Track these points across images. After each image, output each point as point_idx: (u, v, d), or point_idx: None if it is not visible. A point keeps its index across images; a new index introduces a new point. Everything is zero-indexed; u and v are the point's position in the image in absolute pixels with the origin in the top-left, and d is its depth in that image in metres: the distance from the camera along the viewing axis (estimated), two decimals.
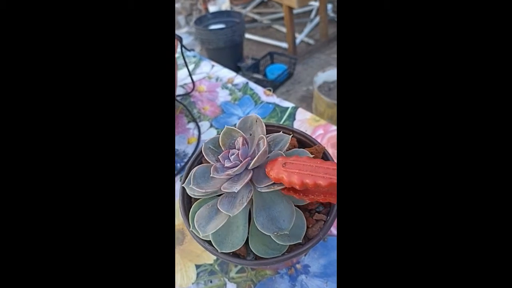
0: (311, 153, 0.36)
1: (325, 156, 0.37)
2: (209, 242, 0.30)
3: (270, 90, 0.67)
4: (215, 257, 0.42)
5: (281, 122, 0.60)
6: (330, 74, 1.62)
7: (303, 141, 0.39)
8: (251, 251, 0.30)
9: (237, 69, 1.93)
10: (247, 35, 2.22)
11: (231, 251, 0.30)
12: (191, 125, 0.62)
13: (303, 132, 0.39)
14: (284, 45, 2.15)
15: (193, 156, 0.38)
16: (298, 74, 2.00)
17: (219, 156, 0.31)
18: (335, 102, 1.37)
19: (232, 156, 0.30)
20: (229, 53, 1.88)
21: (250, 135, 0.34)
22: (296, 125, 0.59)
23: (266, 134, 0.38)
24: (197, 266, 0.42)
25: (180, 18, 2.56)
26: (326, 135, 0.58)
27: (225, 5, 2.59)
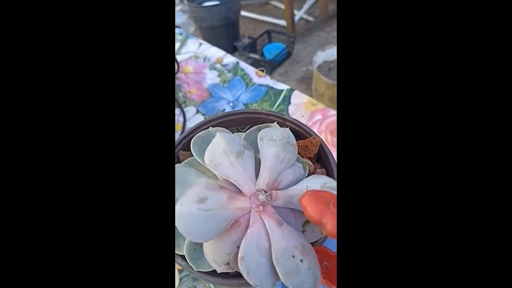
0: (306, 146, 0.30)
1: (322, 150, 0.31)
2: (182, 257, 0.26)
3: (262, 70, 0.61)
4: None
5: (275, 107, 0.54)
6: (330, 53, 1.55)
7: (296, 131, 0.33)
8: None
9: (233, 49, 1.85)
10: (243, 13, 2.13)
11: (210, 269, 0.25)
12: (176, 111, 0.56)
13: (297, 121, 0.33)
14: (282, 22, 2.06)
15: (176, 150, 0.32)
16: (297, 53, 1.93)
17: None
18: (335, 82, 1.30)
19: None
20: (224, 32, 1.80)
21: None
22: (292, 110, 0.53)
23: (255, 123, 0.33)
24: (180, 271, 0.38)
25: None
26: (325, 120, 0.52)
27: None
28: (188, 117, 0.55)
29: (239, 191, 0.24)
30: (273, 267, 0.22)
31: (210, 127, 0.31)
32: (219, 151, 0.25)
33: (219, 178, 0.26)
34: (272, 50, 1.82)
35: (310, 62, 1.78)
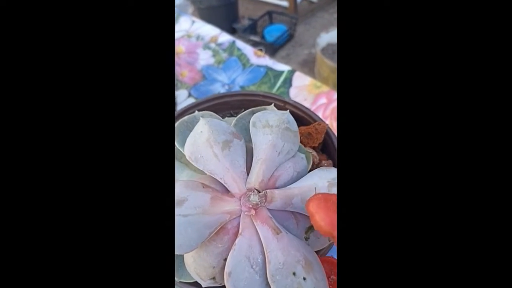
0: (309, 133, 0.25)
1: (328, 138, 0.27)
2: None
3: (261, 50, 0.55)
4: None
5: (274, 90, 0.49)
6: (334, 35, 1.48)
7: (298, 116, 0.28)
8: None
9: (232, 31, 1.78)
10: None
11: (193, 280, 0.21)
12: None
13: (299, 104, 0.28)
14: (284, 3, 1.98)
15: None
16: (299, 35, 1.86)
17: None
18: None
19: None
20: (223, 13, 1.72)
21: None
22: (293, 93, 0.48)
23: (250, 107, 0.28)
24: None
25: None
26: (330, 105, 0.47)
27: None
28: (179, 101, 0.50)
29: (226, 191, 0.19)
30: (268, 285, 0.17)
31: (196, 111, 0.26)
32: (202, 140, 0.20)
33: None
34: (273, 32, 1.76)
35: (313, 45, 1.72)
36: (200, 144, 0.20)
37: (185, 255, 0.20)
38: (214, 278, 0.19)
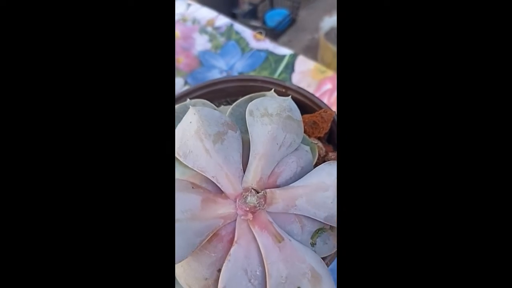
0: (314, 122, 0.22)
1: (335, 126, 0.24)
2: None
3: (260, 33, 0.52)
4: None
5: (276, 76, 0.46)
6: None
7: (301, 103, 0.25)
8: None
9: (232, 17, 1.73)
10: None
11: None
12: None
13: (303, 90, 0.25)
14: None
15: None
16: (302, 20, 1.81)
17: None
18: None
19: None
20: None
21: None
22: (296, 79, 0.45)
23: (247, 92, 0.25)
24: None
25: None
26: (336, 91, 0.43)
27: None
28: (175, 90, 0.47)
29: (220, 191, 0.17)
30: None
31: (188, 100, 0.24)
32: (191, 133, 0.17)
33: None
34: (274, 16, 1.72)
35: (316, 30, 1.67)
36: (189, 138, 0.17)
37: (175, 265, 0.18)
38: None
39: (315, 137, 0.23)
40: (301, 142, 0.21)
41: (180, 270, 0.17)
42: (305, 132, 0.22)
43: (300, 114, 0.21)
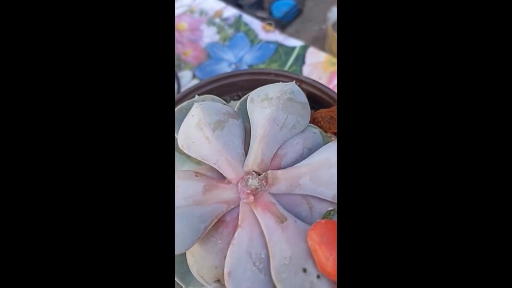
0: (331, 117, 0.22)
1: None
2: None
3: (270, 24, 0.50)
4: None
5: (286, 68, 0.45)
6: None
7: (317, 97, 0.24)
8: None
9: (238, 8, 1.70)
10: None
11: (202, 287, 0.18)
12: None
13: (318, 83, 0.24)
14: None
15: None
16: (309, 10, 1.77)
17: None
18: None
19: None
20: None
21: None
22: (307, 71, 0.44)
23: (259, 86, 0.24)
24: None
25: None
26: None
27: None
28: (183, 83, 0.47)
29: (223, 177, 0.16)
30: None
31: (197, 96, 0.23)
32: (192, 125, 0.17)
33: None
34: (281, 7, 1.68)
35: (323, 21, 1.64)
36: (191, 130, 0.17)
37: (187, 256, 0.17)
38: (219, 280, 0.16)
39: (332, 132, 0.23)
40: (318, 139, 0.20)
41: (191, 261, 0.17)
42: (322, 127, 0.22)
43: (305, 98, 0.20)
